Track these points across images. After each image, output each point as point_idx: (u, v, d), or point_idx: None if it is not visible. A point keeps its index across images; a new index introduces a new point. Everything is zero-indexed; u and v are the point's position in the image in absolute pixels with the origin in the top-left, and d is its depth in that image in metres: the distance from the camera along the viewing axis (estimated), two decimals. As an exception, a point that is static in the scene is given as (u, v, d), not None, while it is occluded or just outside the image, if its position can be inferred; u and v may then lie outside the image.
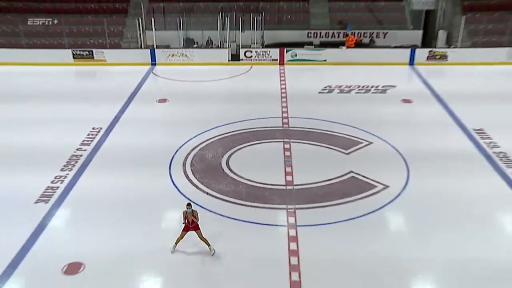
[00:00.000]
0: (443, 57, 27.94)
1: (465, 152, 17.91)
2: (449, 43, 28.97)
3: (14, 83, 26.06)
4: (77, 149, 18.06)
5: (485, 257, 12.37)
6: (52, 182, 15.87)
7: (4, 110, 22.16)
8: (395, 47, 28.94)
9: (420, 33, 29.94)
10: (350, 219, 13.91)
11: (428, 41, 29.95)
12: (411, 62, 28.08)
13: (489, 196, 15.14)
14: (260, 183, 15.73)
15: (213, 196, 15.11)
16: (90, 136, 19.18)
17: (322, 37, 29.65)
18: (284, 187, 15.53)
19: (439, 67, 27.80)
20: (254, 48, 28.54)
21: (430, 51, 28.07)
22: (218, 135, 19.07)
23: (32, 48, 28.62)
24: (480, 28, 28.49)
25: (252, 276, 11.82)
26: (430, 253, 12.58)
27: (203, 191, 15.39)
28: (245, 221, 13.86)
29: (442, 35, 29.08)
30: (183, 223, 12.22)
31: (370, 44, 29.24)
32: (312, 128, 19.65)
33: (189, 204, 12.11)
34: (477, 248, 12.66)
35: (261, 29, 29.01)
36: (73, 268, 11.93)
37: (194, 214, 12.04)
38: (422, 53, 28.05)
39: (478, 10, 29.54)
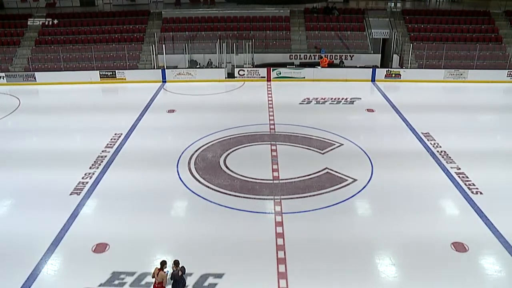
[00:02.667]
0: (397, 75, 27.88)
1: (416, 150, 17.90)
2: (401, 65, 28.93)
3: (55, 98, 25.84)
4: (102, 151, 17.79)
5: (431, 232, 12.58)
6: (82, 177, 15.66)
7: (46, 119, 21.93)
8: (360, 67, 28.82)
9: (379, 56, 29.92)
10: (326, 206, 13.81)
11: (385, 62, 30.00)
12: (373, 79, 27.95)
13: (434, 185, 15.24)
14: (252, 178, 15.53)
15: (213, 189, 14.88)
16: (112, 140, 18.88)
17: (301, 58, 29.46)
18: (271, 181, 15.33)
19: (394, 83, 27.71)
20: (246, 67, 28.31)
21: (387, 71, 27.97)
22: (217, 139, 18.83)
23: (69, 70, 28.44)
24: (424, 54, 28.65)
25: (246, 254, 11.67)
26: (390, 231, 12.71)
27: (204, 185, 15.16)
28: (240, 210, 13.68)
29: (395, 58, 29.16)
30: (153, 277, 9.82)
31: (340, 65, 29.06)
32: (294, 133, 19.46)
33: (164, 263, 9.74)
34: (424, 226, 12.88)
35: (252, 53, 28.82)
36: (100, 248, 11.94)
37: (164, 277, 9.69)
38: (381, 72, 27.96)
39: (421, 39, 29.80)
